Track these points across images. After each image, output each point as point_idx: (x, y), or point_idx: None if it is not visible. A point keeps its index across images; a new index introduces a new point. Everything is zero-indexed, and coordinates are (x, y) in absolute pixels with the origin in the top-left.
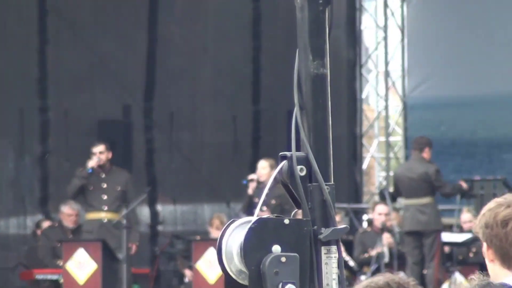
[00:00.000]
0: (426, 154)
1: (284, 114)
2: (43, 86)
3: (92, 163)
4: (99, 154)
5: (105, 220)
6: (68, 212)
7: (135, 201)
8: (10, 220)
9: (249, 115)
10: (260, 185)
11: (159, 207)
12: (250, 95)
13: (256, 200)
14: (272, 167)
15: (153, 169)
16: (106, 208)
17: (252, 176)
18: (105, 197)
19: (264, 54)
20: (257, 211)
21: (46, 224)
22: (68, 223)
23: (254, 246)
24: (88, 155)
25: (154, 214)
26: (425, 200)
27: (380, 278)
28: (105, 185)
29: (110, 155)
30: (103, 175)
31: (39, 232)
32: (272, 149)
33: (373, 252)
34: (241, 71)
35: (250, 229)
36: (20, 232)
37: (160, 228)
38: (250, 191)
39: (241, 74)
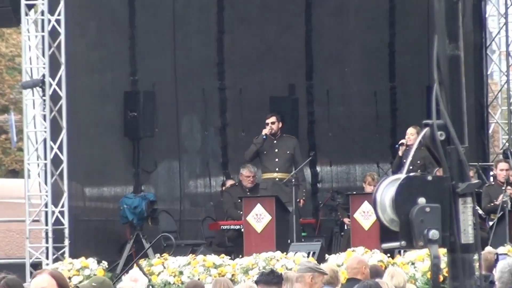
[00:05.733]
0: None
1: (415, 90)
2: (221, 69)
3: (265, 131)
4: (271, 124)
5: (277, 179)
6: (246, 174)
7: (302, 163)
8: (198, 181)
9: (387, 90)
10: (408, 147)
11: (318, 168)
12: (387, 74)
13: (404, 160)
14: (418, 133)
15: (313, 137)
16: (277, 169)
17: (402, 141)
18: (276, 159)
19: (398, 40)
20: (404, 169)
21: (229, 183)
22: (247, 183)
23: (403, 199)
24: (260, 126)
25: (314, 174)
26: None
27: None
28: (276, 150)
29: (280, 125)
30: (275, 142)
31: (223, 189)
32: (406, 118)
33: (498, 201)
34: (379, 54)
35: (400, 184)
36: (206, 190)
37: (319, 185)
38: (400, 153)
39: (380, 57)
